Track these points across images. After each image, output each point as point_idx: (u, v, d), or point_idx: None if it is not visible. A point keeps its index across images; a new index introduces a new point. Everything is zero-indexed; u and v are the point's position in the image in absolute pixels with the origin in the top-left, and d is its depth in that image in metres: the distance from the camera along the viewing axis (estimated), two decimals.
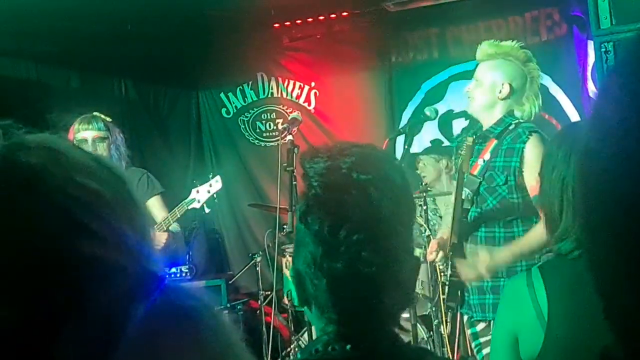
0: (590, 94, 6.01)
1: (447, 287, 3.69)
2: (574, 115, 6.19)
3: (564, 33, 6.34)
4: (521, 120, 3.65)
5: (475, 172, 3.59)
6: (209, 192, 4.67)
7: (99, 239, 0.79)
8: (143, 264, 0.83)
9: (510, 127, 3.61)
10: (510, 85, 3.65)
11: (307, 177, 1.32)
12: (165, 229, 4.45)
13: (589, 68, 6.00)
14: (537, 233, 3.34)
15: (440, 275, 4.07)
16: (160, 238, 4.43)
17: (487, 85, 3.68)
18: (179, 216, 4.51)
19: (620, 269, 0.54)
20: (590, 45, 5.78)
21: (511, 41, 3.76)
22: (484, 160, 3.59)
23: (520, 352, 2.01)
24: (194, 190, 4.67)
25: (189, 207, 4.59)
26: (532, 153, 3.48)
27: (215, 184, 4.70)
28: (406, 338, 1.37)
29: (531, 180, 3.46)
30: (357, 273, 1.25)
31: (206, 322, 0.85)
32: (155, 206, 4.65)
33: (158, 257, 0.89)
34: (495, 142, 3.60)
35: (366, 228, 1.25)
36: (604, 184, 0.52)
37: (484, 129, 3.73)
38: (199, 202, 4.63)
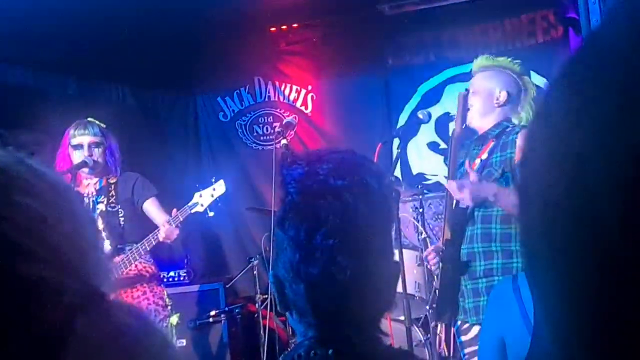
0: None
1: (436, 293, 3.70)
2: None
3: (559, 35, 6.35)
4: (516, 125, 3.69)
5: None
6: (212, 195, 4.65)
7: (36, 260, 0.78)
8: (84, 281, 0.82)
9: (508, 130, 3.65)
10: (507, 92, 3.69)
11: (285, 184, 1.34)
12: (175, 225, 4.44)
13: None
14: None
15: (435, 278, 4.08)
16: (171, 233, 4.42)
17: (484, 93, 3.72)
18: (181, 220, 4.49)
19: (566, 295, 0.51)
20: None
21: (506, 57, 3.82)
22: (481, 160, 3.63)
23: (508, 356, 2.02)
24: (196, 194, 4.65)
25: (192, 212, 4.57)
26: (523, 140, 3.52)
27: (219, 187, 4.69)
28: (387, 341, 1.37)
29: None
30: (332, 278, 1.26)
31: (143, 342, 0.84)
32: (153, 207, 4.66)
33: (104, 271, 0.88)
34: (493, 142, 3.63)
35: (341, 233, 1.26)
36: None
37: (480, 133, 3.77)
38: (202, 205, 4.61)
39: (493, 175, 3.58)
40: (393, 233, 1.48)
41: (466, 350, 3.70)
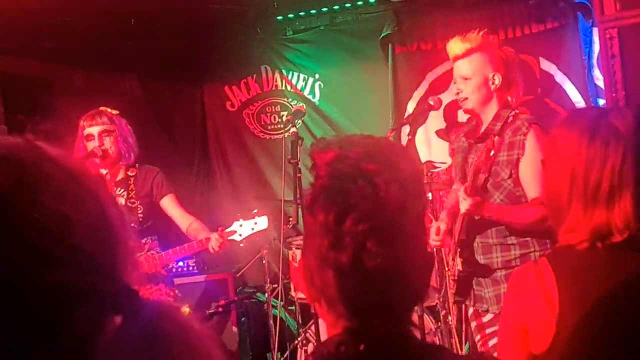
0: (596, 82, 5.99)
1: (455, 283, 3.68)
2: (579, 103, 6.16)
3: (568, 20, 6.29)
4: (517, 111, 3.63)
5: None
6: (252, 229, 4.69)
7: (66, 265, 0.77)
8: (113, 280, 0.81)
9: (509, 120, 3.59)
10: (500, 74, 3.63)
11: (315, 167, 1.30)
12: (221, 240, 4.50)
13: (595, 55, 5.96)
14: (534, 210, 3.33)
15: (447, 266, 4.06)
16: (221, 246, 4.47)
17: (478, 80, 3.64)
18: (221, 241, 4.53)
19: None
20: (595, 32, 5.75)
21: (474, 32, 3.71)
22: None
23: (531, 343, 1.98)
24: (236, 223, 4.69)
25: (228, 238, 4.60)
26: (530, 146, 3.47)
27: (261, 223, 4.72)
28: (416, 332, 1.33)
29: (526, 171, 3.45)
30: (362, 265, 1.22)
31: (174, 340, 0.83)
32: (173, 204, 4.67)
33: (133, 264, 0.87)
34: (497, 138, 3.57)
35: (372, 218, 1.22)
36: None
37: (482, 125, 3.70)
38: (240, 235, 4.66)
39: (500, 174, 3.54)
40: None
41: (479, 335, 3.68)
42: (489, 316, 3.63)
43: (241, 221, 4.69)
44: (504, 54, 3.69)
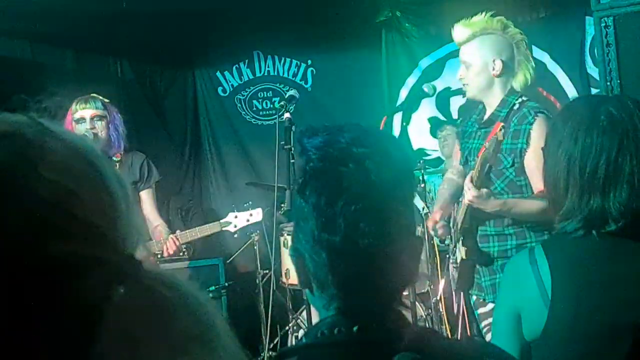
0: (589, 71, 5.99)
1: (458, 271, 3.68)
2: (571, 92, 6.17)
3: (562, 9, 6.30)
4: (524, 99, 3.60)
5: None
6: (248, 220, 4.73)
7: (67, 236, 0.77)
8: (117, 252, 0.82)
9: (515, 107, 3.55)
10: (501, 60, 3.60)
11: (305, 151, 1.31)
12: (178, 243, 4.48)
13: (587, 44, 5.97)
14: (537, 203, 3.32)
15: (438, 253, 4.07)
16: (174, 249, 4.47)
17: (478, 65, 3.60)
18: (208, 234, 4.57)
19: None
20: (588, 21, 5.75)
21: (480, 14, 3.68)
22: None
23: (524, 330, 1.99)
24: (231, 214, 4.75)
25: (223, 229, 4.66)
26: (537, 134, 3.43)
27: (256, 215, 4.76)
28: (407, 315, 1.35)
29: (531, 161, 3.43)
30: (355, 245, 1.24)
31: (180, 313, 0.83)
32: (149, 200, 4.66)
33: (137, 235, 0.88)
34: (502, 125, 3.53)
35: (363, 200, 1.24)
36: None
37: (487, 111, 3.68)
38: (235, 226, 4.70)
39: (503, 163, 3.51)
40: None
41: (484, 323, 3.69)
42: (489, 305, 3.64)
43: (236, 212, 4.73)
44: (509, 36, 3.65)
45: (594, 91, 5.79)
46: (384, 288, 1.30)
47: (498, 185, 3.54)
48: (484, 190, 3.34)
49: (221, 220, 4.66)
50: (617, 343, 1.86)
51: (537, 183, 3.42)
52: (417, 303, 4.76)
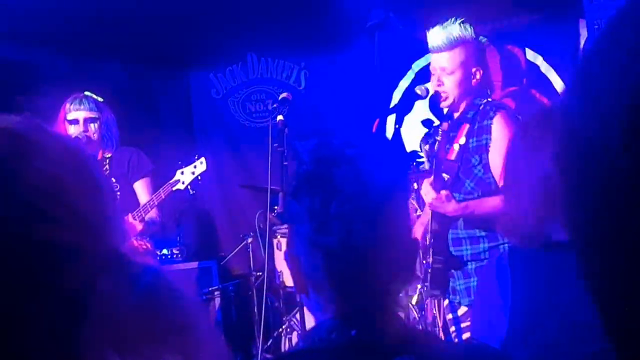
0: None
1: (429, 275, 3.67)
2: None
3: (555, 12, 6.30)
4: (489, 100, 3.63)
5: (452, 157, 3.54)
6: (193, 173, 4.67)
7: (54, 222, 0.80)
8: (104, 242, 0.84)
9: (481, 108, 3.59)
10: (482, 69, 3.62)
11: (298, 154, 1.31)
12: (139, 219, 4.45)
13: (581, 46, 5.98)
14: (498, 202, 3.34)
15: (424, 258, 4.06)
16: (134, 227, 4.43)
17: (460, 74, 3.61)
18: (163, 197, 4.53)
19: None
20: (582, 24, 5.76)
21: (451, 20, 3.68)
22: (459, 145, 3.53)
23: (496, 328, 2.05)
24: (178, 172, 4.69)
25: (174, 189, 4.58)
26: (497, 131, 3.47)
27: (200, 165, 4.69)
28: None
29: (493, 158, 3.45)
30: (349, 245, 1.24)
31: (162, 305, 0.87)
32: (141, 189, 4.65)
33: (122, 232, 0.91)
34: (468, 125, 3.55)
35: (357, 200, 1.24)
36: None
37: (456, 115, 3.69)
38: (183, 183, 4.64)
39: (470, 161, 3.53)
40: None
41: (462, 325, 3.70)
42: (463, 309, 3.65)
43: (182, 168, 4.69)
44: (481, 46, 3.68)
45: None
46: (380, 290, 1.29)
47: (468, 184, 3.55)
48: (443, 192, 3.35)
49: (170, 181, 4.62)
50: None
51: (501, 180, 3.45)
52: (410, 305, 4.76)
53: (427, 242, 3.71)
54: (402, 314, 1.35)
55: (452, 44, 3.60)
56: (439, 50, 3.63)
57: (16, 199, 0.78)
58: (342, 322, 1.27)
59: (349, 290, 1.28)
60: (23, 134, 0.84)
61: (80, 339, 0.80)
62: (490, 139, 3.48)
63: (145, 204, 4.52)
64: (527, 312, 1.96)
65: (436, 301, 3.79)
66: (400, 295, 1.41)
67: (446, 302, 3.74)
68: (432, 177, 3.40)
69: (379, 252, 1.26)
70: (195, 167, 4.69)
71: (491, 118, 3.49)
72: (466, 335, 3.58)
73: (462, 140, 3.50)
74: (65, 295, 0.79)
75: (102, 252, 0.83)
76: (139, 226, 4.46)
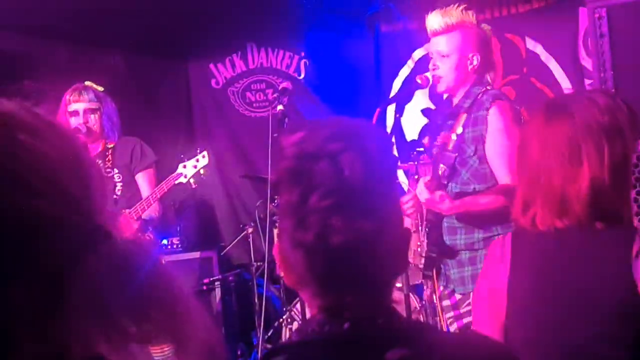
0: (582, 62, 5.99)
1: (423, 260, 3.68)
2: (565, 83, 6.17)
3: (555, 1, 6.29)
4: (488, 88, 3.61)
5: (449, 147, 3.53)
6: (195, 167, 4.67)
7: (40, 195, 0.81)
8: (89, 219, 0.85)
9: (479, 97, 3.57)
10: (479, 55, 3.60)
11: (282, 148, 1.31)
12: (136, 216, 4.44)
13: (581, 35, 5.96)
14: (495, 198, 3.35)
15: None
16: (130, 225, 4.42)
17: (456, 58, 3.59)
18: (165, 190, 4.52)
19: None
20: (582, 12, 5.74)
21: (453, 6, 3.67)
22: (456, 135, 3.52)
23: (499, 311, 2.08)
24: (180, 165, 4.69)
25: (176, 182, 4.58)
26: (493, 121, 3.46)
27: (202, 159, 4.69)
28: (402, 311, 1.33)
29: (489, 149, 3.45)
30: (328, 242, 1.22)
31: (146, 281, 0.87)
32: (144, 181, 4.65)
33: (110, 212, 0.92)
34: (465, 115, 3.54)
35: (336, 195, 1.23)
36: None
37: (454, 103, 3.68)
38: (185, 176, 4.63)
39: (466, 151, 3.52)
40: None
41: (448, 315, 3.71)
42: (457, 296, 3.66)
43: (185, 162, 4.70)
44: (483, 32, 3.66)
45: (587, 82, 5.78)
46: (366, 283, 1.28)
47: (464, 174, 3.55)
48: (438, 193, 3.35)
49: (172, 175, 4.64)
50: (579, 327, 1.96)
51: (498, 171, 3.46)
52: (411, 295, 4.77)
53: (421, 226, 3.73)
54: (400, 304, 1.35)
55: (450, 27, 3.59)
56: (437, 33, 3.63)
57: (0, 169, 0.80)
58: (332, 316, 1.26)
59: (331, 285, 1.28)
60: (10, 112, 0.86)
61: (63, 315, 0.81)
62: (486, 130, 3.47)
63: (147, 197, 4.51)
64: (528, 293, 2.01)
65: (430, 283, 3.82)
66: (398, 285, 1.41)
67: (441, 289, 3.74)
68: (429, 178, 3.40)
69: (360, 246, 1.24)
70: (197, 160, 4.70)
71: (487, 109, 3.48)
72: (462, 322, 3.60)
73: (460, 130, 3.49)
74: (48, 272, 0.80)
75: (86, 229, 0.84)
76: (135, 224, 4.45)
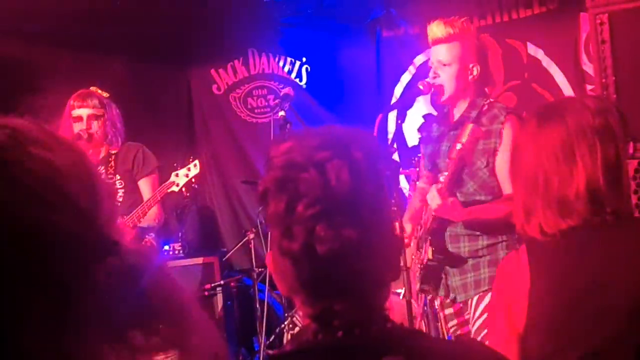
0: (584, 67, 5.99)
1: (421, 270, 3.66)
2: (566, 89, 6.17)
3: (556, 5, 6.29)
4: (492, 100, 3.62)
5: (452, 156, 3.50)
6: (187, 176, 4.68)
7: (52, 208, 0.82)
8: (99, 231, 0.86)
9: (484, 109, 3.57)
10: (479, 66, 3.61)
11: (270, 158, 1.31)
12: (132, 224, 4.44)
13: (582, 40, 5.97)
14: (501, 206, 3.35)
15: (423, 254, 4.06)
16: (127, 234, 4.42)
17: (457, 67, 3.60)
18: (159, 199, 4.54)
19: None
20: (583, 18, 5.75)
21: (454, 18, 3.68)
22: (460, 144, 3.51)
23: (516, 322, 2.08)
24: (173, 174, 4.70)
25: (168, 191, 4.60)
26: (508, 135, 3.46)
27: (194, 168, 4.70)
28: (404, 318, 1.32)
29: (501, 163, 3.44)
30: (314, 251, 1.22)
31: (153, 281, 0.89)
32: (146, 188, 4.65)
33: (117, 223, 0.93)
34: (471, 125, 3.52)
35: (321, 204, 1.22)
36: None
37: (455, 114, 3.68)
38: (177, 185, 4.64)
39: (476, 163, 3.52)
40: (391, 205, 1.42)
41: (451, 323, 3.70)
42: (458, 305, 3.65)
43: (177, 171, 4.70)
44: (482, 44, 3.67)
45: (588, 87, 5.79)
46: (354, 292, 1.27)
47: (471, 186, 3.54)
48: (451, 199, 3.34)
49: (165, 183, 4.65)
50: (596, 329, 1.96)
51: (506, 186, 3.44)
52: (413, 301, 4.76)
53: (420, 234, 3.71)
54: (401, 310, 1.35)
55: (451, 36, 3.60)
56: (438, 42, 3.64)
57: (13, 181, 0.80)
58: (323, 324, 1.26)
59: (319, 294, 1.27)
60: (23, 128, 0.87)
61: (71, 326, 0.81)
62: (499, 143, 3.47)
63: (142, 205, 4.52)
64: (547, 300, 2.02)
65: (424, 296, 3.80)
66: (400, 290, 1.42)
67: (440, 299, 3.73)
68: (440, 185, 3.39)
69: (347, 255, 1.23)
70: (189, 169, 4.69)
71: (502, 122, 3.48)
72: (469, 328, 3.59)
73: (464, 139, 3.48)
74: (58, 283, 0.80)
75: (95, 240, 0.85)
76: (131, 232, 4.45)
